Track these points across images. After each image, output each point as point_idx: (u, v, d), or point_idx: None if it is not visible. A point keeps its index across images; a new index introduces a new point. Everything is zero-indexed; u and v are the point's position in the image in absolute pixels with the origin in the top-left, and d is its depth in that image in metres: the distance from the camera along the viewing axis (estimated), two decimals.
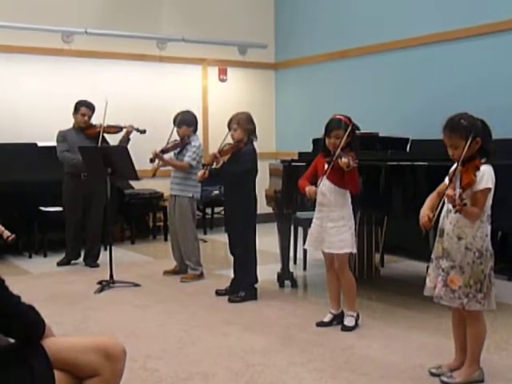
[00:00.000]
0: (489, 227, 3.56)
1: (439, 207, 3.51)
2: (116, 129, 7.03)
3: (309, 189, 4.57)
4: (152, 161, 6.18)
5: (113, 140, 7.11)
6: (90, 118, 6.96)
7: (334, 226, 4.59)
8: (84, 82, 8.63)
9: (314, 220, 4.74)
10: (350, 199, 4.63)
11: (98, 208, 6.98)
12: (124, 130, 7.02)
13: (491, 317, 4.27)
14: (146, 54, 9.21)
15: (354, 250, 4.74)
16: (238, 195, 5.46)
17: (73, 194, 6.96)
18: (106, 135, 6.91)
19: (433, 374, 3.74)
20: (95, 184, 6.78)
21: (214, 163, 5.41)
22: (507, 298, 5.48)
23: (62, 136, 6.94)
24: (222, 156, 5.34)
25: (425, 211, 3.58)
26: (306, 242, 4.83)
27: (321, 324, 4.76)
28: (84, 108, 6.91)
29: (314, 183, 4.61)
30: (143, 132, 7.00)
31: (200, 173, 5.60)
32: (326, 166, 4.49)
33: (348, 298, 4.75)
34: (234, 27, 9.86)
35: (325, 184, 4.57)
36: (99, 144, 6.56)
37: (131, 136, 6.96)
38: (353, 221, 4.67)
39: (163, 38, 9.30)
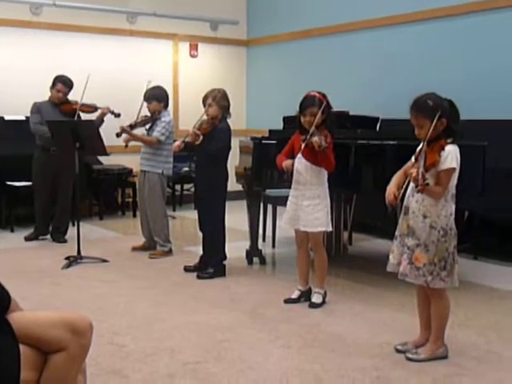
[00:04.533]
0: (453, 206, 3.61)
1: (405, 185, 3.56)
2: (91, 108, 6.92)
3: (285, 163, 4.58)
4: (118, 135, 6.12)
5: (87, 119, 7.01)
6: (65, 94, 6.84)
7: (309, 204, 4.60)
8: (52, 55, 8.49)
9: (289, 198, 4.74)
10: (325, 177, 4.65)
11: (67, 183, 6.89)
12: (99, 111, 6.92)
13: (456, 294, 4.33)
14: (117, 27, 9.08)
15: (329, 228, 4.76)
16: (211, 172, 5.44)
17: (43, 168, 6.86)
18: (80, 113, 6.81)
19: (398, 351, 3.80)
20: (65, 158, 6.69)
21: (196, 141, 5.33)
22: (472, 276, 5.57)
23: (37, 108, 6.81)
24: (202, 133, 5.30)
25: (391, 188, 3.63)
26: (282, 220, 4.83)
27: (288, 301, 4.80)
28: (60, 85, 6.80)
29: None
30: (118, 115, 6.84)
31: (176, 143, 5.54)
32: (302, 144, 4.49)
33: (319, 275, 4.78)
34: (205, 3, 9.76)
35: (301, 162, 4.58)
36: None
37: (105, 118, 6.85)
38: (328, 199, 4.68)
39: (134, 12, 9.17)
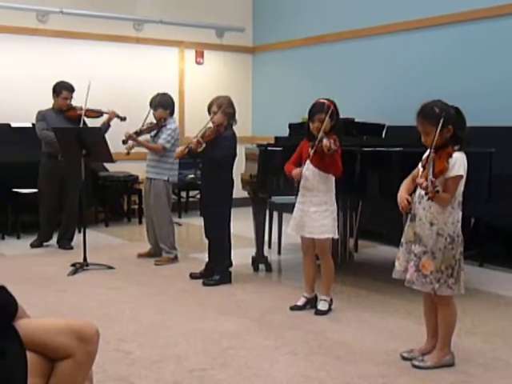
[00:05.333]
0: (460, 213, 3.61)
1: (415, 192, 3.57)
2: (97, 113, 6.94)
3: (295, 171, 4.59)
4: (125, 142, 6.12)
5: (93, 124, 7.01)
6: (71, 99, 6.87)
7: (316, 211, 4.60)
8: (59, 62, 8.52)
9: (296, 204, 4.74)
10: (333, 184, 4.65)
11: (74, 190, 6.89)
12: (105, 116, 6.93)
13: (462, 302, 4.32)
14: (123, 35, 9.11)
15: (336, 236, 4.76)
16: (216, 179, 5.45)
17: (49, 175, 6.87)
18: (85, 119, 6.82)
19: (405, 358, 3.79)
20: (72, 165, 6.71)
21: (198, 148, 5.34)
22: (478, 283, 5.55)
23: (42, 115, 6.83)
24: (205, 140, 5.32)
25: (402, 195, 3.65)
26: (289, 227, 4.83)
27: (294, 308, 4.79)
28: (65, 92, 6.81)
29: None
30: (124, 119, 6.87)
31: (179, 149, 5.56)
32: (310, 150, 4.50)
33: (325, 282, 4.78)
34: (211, 10, 9.78)
35: (308, 168, 4.59)
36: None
37: (112, 122, 6.86)
38: (335, 206, 4.68)
39: (140, 19, 9.21)
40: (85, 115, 6.68)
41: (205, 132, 5.38)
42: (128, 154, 6.17)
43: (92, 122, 6.97)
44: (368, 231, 7.24)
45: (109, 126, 6.83)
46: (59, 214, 7.06)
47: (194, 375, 3.56)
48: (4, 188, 7.40)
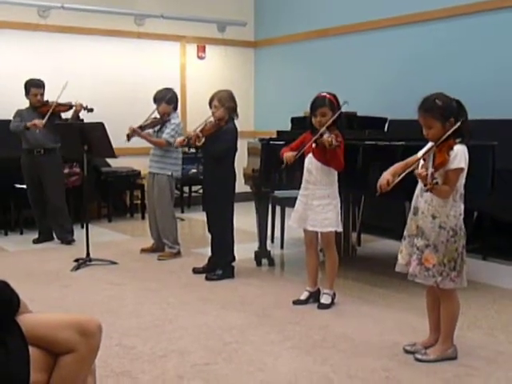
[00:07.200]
0: (462, 206, 3.60)
1: (402, 175, 3.57)
2: (66, 107, 6.97)
3: (287, 154, 4.60)
4: (129, 136, 6.11)
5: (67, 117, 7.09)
6: (42, 95, 6.90)
7: (319, 204, 4.60)
8: (60, 57, 8.52)
9: (299, 197, 4.75)
10: (336, 178, 4.65)
11: (53, 182, 6.93)
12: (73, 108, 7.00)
13: (465, 295, 4.31)
14: (124, 30, 9.09)
15: (340, 229, 4.75)
16: (218, 173, 5.45)
17: (28, 170, 6.95)
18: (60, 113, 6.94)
19: (407, 352, 3.79)
20: (47, 159, 6.82)
21: (197, 142, 5.35)
22: (481, 277, 5.54)
23: (19, 114, 6.92)
24: (204, 134, 5.31)
25: (386, 174, 3.67)
26: (291, 219, 4.83)
27: (297, 302, 4.79)
28: (34, 89, 6.86)
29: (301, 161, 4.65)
30: (91, 110, 6.91)
31: (179, 139, 5.58)
32: (312, 144, 4.50)
33: (329, 276, 4.78)
34: (213, 4, 9.76)
35: (311, 162, 4.60)
36: (44, 121, 6.57)
37: (80, 114, 6.91)
38: (338, 199, 4.68)
39: (141, 14, 9.19)
40: (55, 109, 6.75)
41: (204, 126, 5.38)
42: (128, 140, 6.14)
43: (64, 116, 7.07)
44: (370, 225, 7.23)
45: (78, 117, 6.89)
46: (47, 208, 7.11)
47: (197, 370, 3.56)
48: (7, 184, 7.43)
